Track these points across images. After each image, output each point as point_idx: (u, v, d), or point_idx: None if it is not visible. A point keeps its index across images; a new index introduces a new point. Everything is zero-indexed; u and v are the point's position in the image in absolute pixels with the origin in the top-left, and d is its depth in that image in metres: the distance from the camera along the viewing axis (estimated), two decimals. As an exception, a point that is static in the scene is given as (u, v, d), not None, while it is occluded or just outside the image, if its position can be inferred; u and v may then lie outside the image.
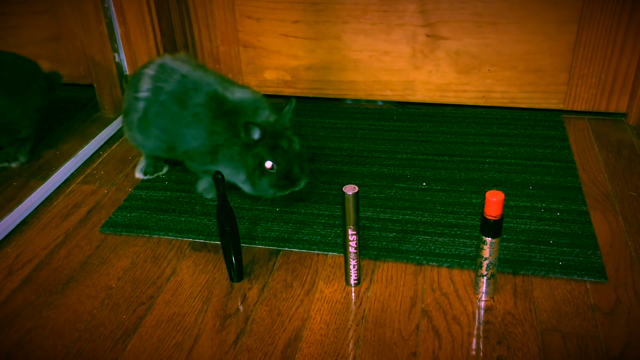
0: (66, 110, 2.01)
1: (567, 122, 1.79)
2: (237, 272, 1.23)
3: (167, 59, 1.49)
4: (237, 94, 1.40)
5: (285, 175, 1.33)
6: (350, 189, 1.10)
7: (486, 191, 1.46)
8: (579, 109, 1.82)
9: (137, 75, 1.50)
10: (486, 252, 1.10)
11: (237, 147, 1.35)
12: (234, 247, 1.21)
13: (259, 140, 1.31)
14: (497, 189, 1.47)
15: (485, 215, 1.07)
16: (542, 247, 1.28)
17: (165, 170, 1.63)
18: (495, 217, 1.06)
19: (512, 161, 1.59)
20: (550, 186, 1.48)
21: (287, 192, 1.36)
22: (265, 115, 1.38)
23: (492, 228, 1.07)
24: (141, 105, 1.47)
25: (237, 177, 1.39)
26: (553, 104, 1.84)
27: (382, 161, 1.62)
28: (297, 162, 1.33)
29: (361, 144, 1.71)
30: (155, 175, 1.61)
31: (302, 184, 1.36)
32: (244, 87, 1.46)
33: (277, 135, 1.32)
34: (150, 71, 1.47)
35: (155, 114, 1.45)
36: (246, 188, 1.40)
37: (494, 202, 1.05)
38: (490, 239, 1.08)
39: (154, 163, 1.62)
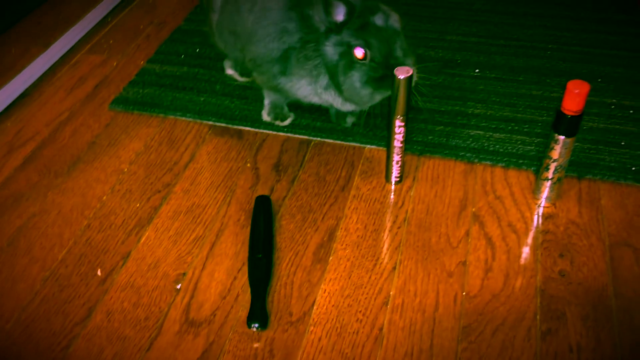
0: (69, -31, 1.78)
1: (641, 7, 1.55)
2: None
3: None
4: None
5: (384, 63, 0.97)
6: (402, 72, 0.92)
7: (548, 82, 1.28)
8: (657, -8, 1.58)
9: None
10: (556, 152, 0.94)
11: (314, 48, 1.02)
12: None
13: (345, 21, 0.97)
14: (560, 80, 1.28)
15: (563, 109, 0.90)
16: (612, 149, 1.11)
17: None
18: (575, 112, 0.89)
19: (577, 49, 1.38)
20: (621, 79, 1.29)
21: (387, 89, 0.98)
22: None
23: (570, 125, 0.90)
24: (218, 3, 1.18)
25: (317, 88, 1.06)
26: (627, -16, 1.59)
27: (428, 42, 1.42)
28: (399, 43, 0.98)
29: (404, 21, 1.49)
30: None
31: (412, 72, 0.93)
32: None
33: (368, 11, 0.97)
34: None
35: (229, 12, 1.14)
36: (333, 101, 1.07)
37: (576, 95, 0.87)
38: (564, 137, 0.92)
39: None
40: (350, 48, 0.97)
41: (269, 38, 1.06)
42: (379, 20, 0.97)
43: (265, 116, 1.20)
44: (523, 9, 1.53)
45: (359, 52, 0.96)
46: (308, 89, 1.07)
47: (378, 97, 1.02)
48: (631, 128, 1.16)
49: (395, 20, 0.99)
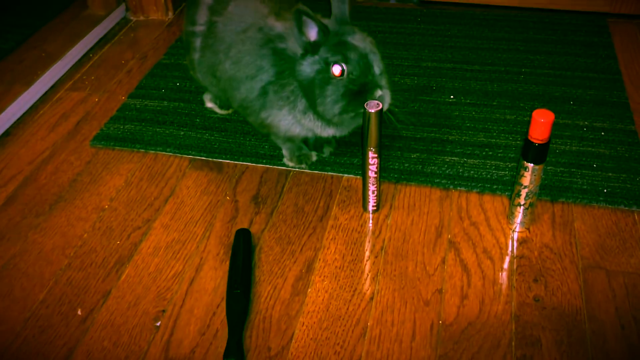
0: (52, 6, 1.80)
1: (612, 27, 1.58)
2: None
3: None
4: (288, 20, 1.07)
5: (362, 77, 0.98)
6: (373, 106, 0.95)
7: (521, 105, 1.31)
8: (627, 12, 1.61)
9: (194, 3, 1.20)
10: (527, 179, 0.96)
11: (288, 75, 1.04)
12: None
13: (319, 41, 0.99)
14: (534, 104, 1.31)
15: (529, 137, 0.92)
16: (584, 171, 1.14)
17: None
18: (542, 140, 0.91)
19: (550, 72, 1.41)
20: (593, 101, 1.31)
21: (361, 106, 0.97)
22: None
23: (537, 153, 0.92)
24: (198, 42, 1.19)
25: (296, 114, 1.07)
26: (598, 5, 1.62)
27: (403, 70, 1.44)
28: (376, 62, 1.00)
29: (379, 49, 1.52)
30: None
31: (384, 92, 0.99)
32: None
33: (345, 33, 1.00)
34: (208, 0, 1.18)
35: (209, 55, 1.16)
36: (314, 126, 1.08)
37: (542, 124, 0.89)
38: (532, 165, 0.94)
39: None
40: (327, 65, 0.99)
41: (247, 79, 1.08)
42: (356, 40, 0.99)
43: (288, 162, 1.20)
44: (497, 34, 1.56)
45: (336, 70, 0.98)
46: (289, 118, 1.08)
47: (351, 114, 1.02)
48: (602, 150, 1.18)
49: (370, 43, 1.01)
